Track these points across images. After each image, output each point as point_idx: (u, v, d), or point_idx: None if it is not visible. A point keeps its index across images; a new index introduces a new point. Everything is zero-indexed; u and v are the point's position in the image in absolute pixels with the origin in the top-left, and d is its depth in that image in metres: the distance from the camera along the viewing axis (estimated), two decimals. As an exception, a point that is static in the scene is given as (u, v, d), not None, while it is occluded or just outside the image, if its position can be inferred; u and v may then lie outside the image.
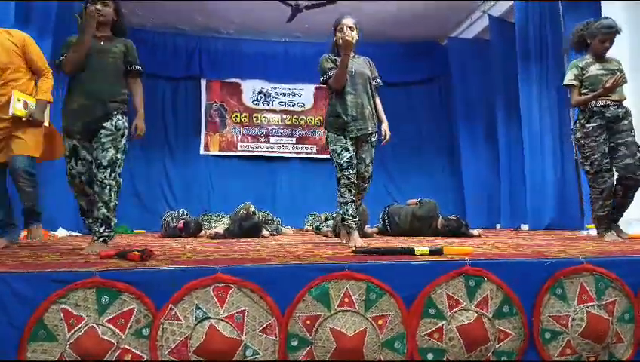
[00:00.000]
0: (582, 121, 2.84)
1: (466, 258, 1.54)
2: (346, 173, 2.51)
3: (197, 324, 1.28)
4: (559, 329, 1.48)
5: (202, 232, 4.13)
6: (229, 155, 7.18)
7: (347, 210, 2.53)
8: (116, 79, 2.21)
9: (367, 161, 2.63)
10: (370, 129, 2.60)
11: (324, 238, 3.67)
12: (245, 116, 7.31)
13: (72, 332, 1.22)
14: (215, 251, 2.11)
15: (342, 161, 2.52)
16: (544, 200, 5.20)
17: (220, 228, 3.87)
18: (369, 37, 7.37)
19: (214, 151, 7.13)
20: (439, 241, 2.96)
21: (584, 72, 2.84)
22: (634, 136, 2.77)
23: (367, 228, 3.64)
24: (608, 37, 2.80)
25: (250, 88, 7.34)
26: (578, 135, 2.86)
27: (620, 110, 2.76)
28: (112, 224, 2.11)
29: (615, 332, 1.50)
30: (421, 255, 1.67)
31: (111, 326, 1.24)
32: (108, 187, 2.06)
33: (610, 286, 1.53)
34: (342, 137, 2.55)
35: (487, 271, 1.47)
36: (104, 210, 2.07)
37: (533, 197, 5.30)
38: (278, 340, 1.33)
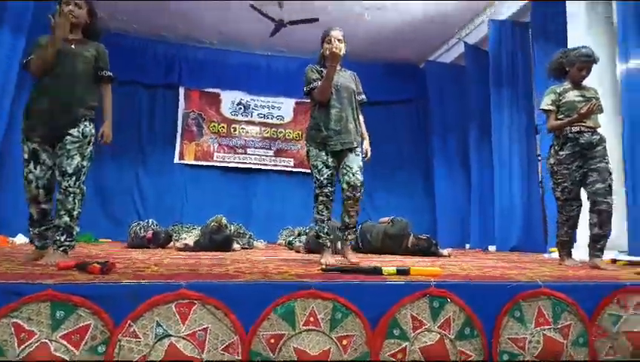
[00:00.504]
0: (556, 148, 2.87)
1: (432, 279, 1.57)
2: (325, 191, 2.47)
3: (156, 342, 1.25)
4: (517, 351, 1.51)
5: (171, 243, 4.06)
6: (204, 165, 7.13)
7: (322, 228, 2.50)
8: (85, 84, 2.15)
9: (355, 169, 2.50)
10: (355, 143, 2.54)
11: (296, 254, 3.66)
12: (223, 126, 7.28)
13: (23, 347, 1.17)
14: (182, 264, 2.07)
15: (322, 178, 2.47)
16: (511, 223, 5.36)
17: (190, 239, 3.80)
18: (350, 55, 7.50)
19: (189, 160, 7.06)
20: (409, 260, 3.00)
21: (561, 97, 2.88)
22: (607, 163, 2.78)
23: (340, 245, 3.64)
24: (586, 65, 2.85)
25: (229, 99, 7.34)
26: (551, 161, 2.89)
27: (594, 137, 2.78)
28: (74, 233, 2.05)
29: (569, 354, 1.54)
30: (388, 274, 1.69)
31: (64, 343, 1.19)
32: (72, 195, 2.00)
33: (566, 310, 1.58)
34: (323, 153, 2.50)
35: (451, 293, 1.50)
36: (67, 218, 2.01)
37: (501, 219, 5.46)
38: (239, 359, 1.31)
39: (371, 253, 3.89)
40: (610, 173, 2.77)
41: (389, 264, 2.37)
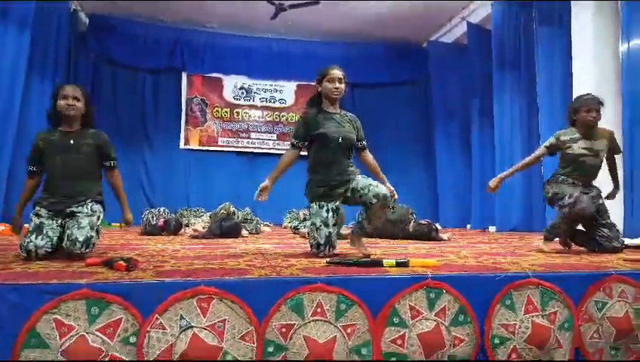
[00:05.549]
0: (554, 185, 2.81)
1: (428, 272, 1.70)
2: (320, 253, 2.31)
3: (181, 333, 1.40)
4: (507, 336, 1.65)
5: (182, 230, 4.21)
6: (209, 150, 7.24)
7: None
8: (88, 175, 2.28)
9: (374, 183, 2.34)
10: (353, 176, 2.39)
11: (302, 239, 3.80)
12: (226, 111, 7.35)
13: (64, 339, 1.32)
14: (196, 257, 2.21)
15: (319, 238, 2.31)
16: (511, 203, 5.45)
17: (199, 225, 3.95)
18: (352, 37, 7.52)
19: (194, 145, 7.17)
20: (410, 246, 3.13)
21: (565, 146, 2.78)
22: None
23: (343, 229, 3.78)
24: (593, 107, 2.70)
25: (231, 83, 7.38)
26: (549, 193, 2.81)
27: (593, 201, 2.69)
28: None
29: (555, 338, 1.69)
30: (389, 267, 1.82)
31: (100, 335, 1.34)
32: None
33: (553, 298, 1.71)
34: (324, 210, 2.33)
35: (446, 284, 1.63)
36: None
37: (501, 200, 5.55)
38: (255, 346, 1.45)
39: (373, 236, 4.03)
40: (616, 226, 2.72)
41: (390, 253, 2.51)
